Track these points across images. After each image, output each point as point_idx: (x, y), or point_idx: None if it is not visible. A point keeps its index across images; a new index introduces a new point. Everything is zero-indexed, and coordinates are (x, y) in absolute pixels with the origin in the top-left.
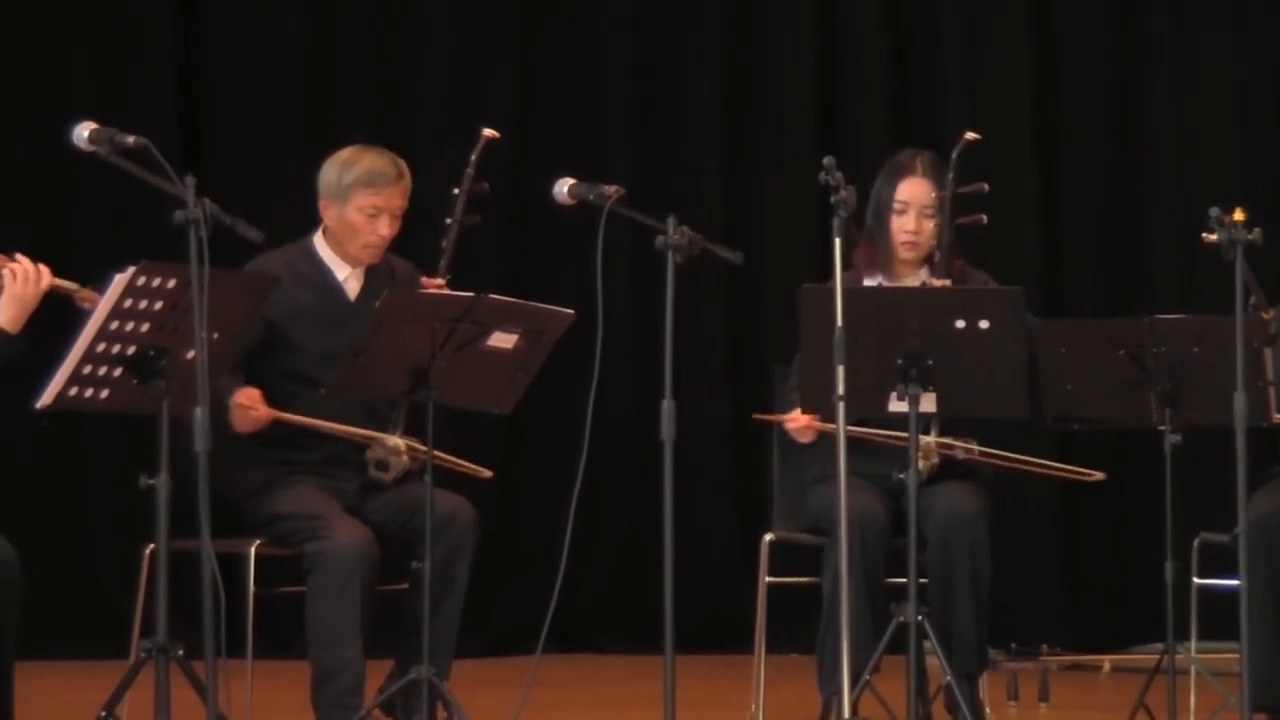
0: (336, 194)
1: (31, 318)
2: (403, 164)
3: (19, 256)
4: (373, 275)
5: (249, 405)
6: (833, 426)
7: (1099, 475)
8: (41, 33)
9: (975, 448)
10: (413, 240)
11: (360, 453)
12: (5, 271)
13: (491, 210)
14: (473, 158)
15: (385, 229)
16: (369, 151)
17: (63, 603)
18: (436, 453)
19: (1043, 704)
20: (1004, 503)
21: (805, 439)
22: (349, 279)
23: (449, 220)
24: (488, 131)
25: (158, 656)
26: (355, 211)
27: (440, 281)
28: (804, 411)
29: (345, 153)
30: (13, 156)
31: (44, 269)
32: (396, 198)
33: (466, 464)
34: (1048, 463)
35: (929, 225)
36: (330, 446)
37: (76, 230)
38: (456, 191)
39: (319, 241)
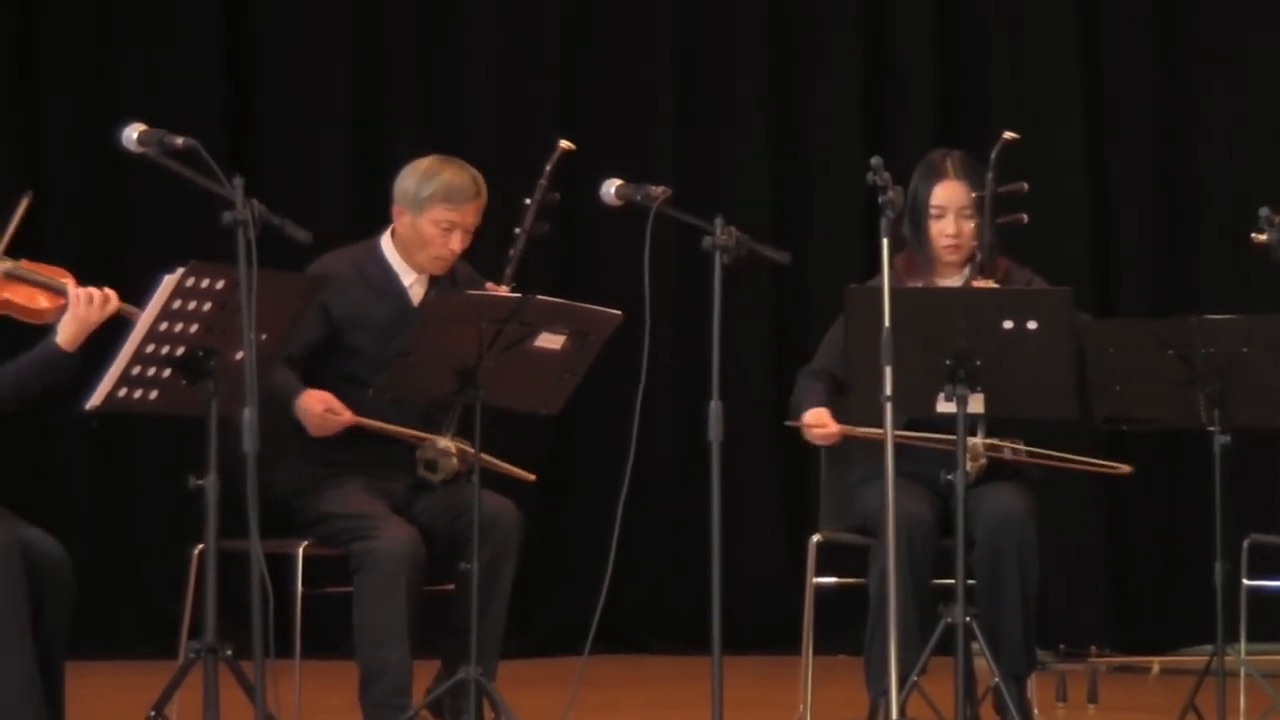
0: (413, 203)
1: (89, 338)
2: (482, 181)
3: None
4: (436, 281)
5: (334, 412)
6: (859, 431)
7: (1125, 469)
8: (90, 35)
9: (1023, 448)
10: (489, 248)
11: (408, 453)
12: (72, 293)
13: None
14: (547, 168)
15: (457, 244)
16: (450, 164)
17: (112, 603)
18: (487, 457)
19: (1091, 705)
20: (1052, 503)
21: (827, 442)
22: (414, 285)
23: (518, 230)
24: (564, 144)
25: (206, 656)
26: (430, 224)
27: (504, 290)
28: (851, 413)
29: (426, 162)
30: (62, 158)
31: (111, 294)
32: (471, 214)
33: (510, 467)
34: (1074, 457)
35: (968, 226)
36: (378, 447)
37: (125, 232)
38: (528, 201)
39: (386, 244)
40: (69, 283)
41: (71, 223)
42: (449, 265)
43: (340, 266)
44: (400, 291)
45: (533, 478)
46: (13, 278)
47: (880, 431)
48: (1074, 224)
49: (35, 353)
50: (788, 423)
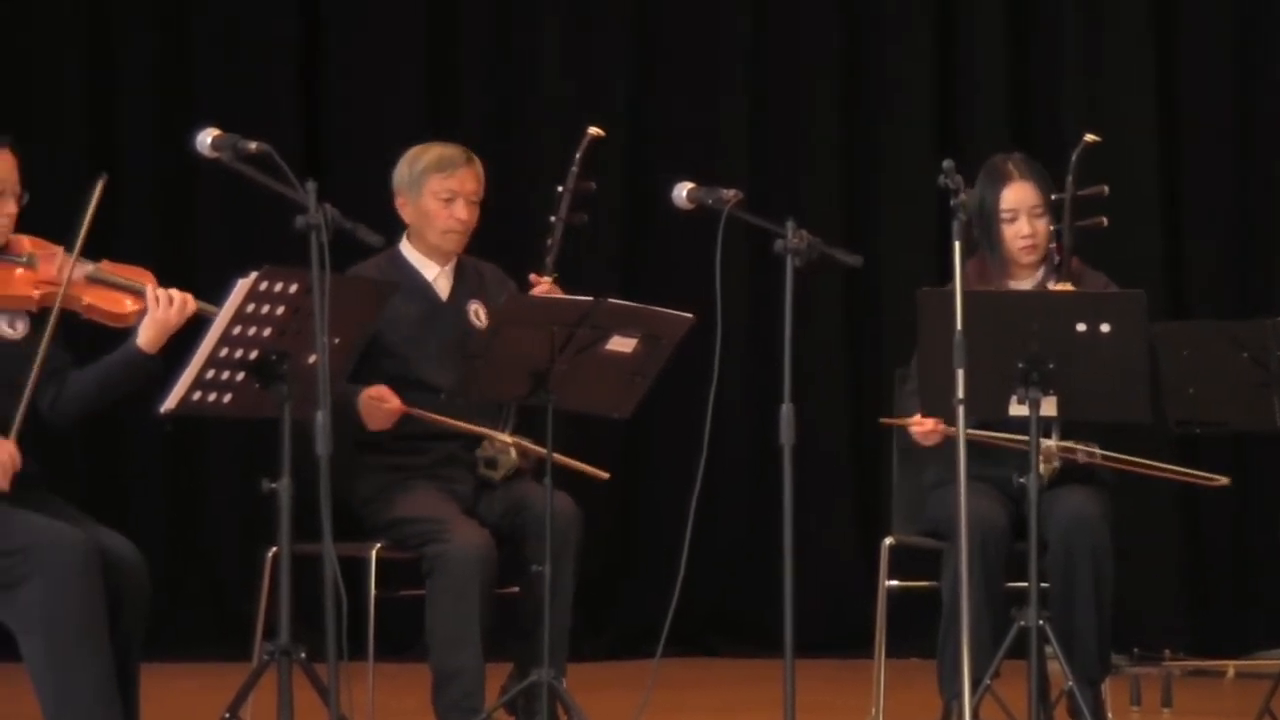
0: (410, 185)
1: (170, 340)
2: (472, 153)
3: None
4: (462, 275)
5: (381, 397)
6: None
7: (1223, 480)
8: (164, 40)
9: (1097, 451)
10: (525, 240)
11: (471, 453)
12: (150, 294)
13: (610, 214)
14: (578, 156)
15: (463, 213)
16: (435, 144)
17: (187, 606)
18: (558, 455)
19: (1166, 709)
20: (1125, 506)
21: (930, 443)
22: (438, 278)
23: (553, 218)
24: (592, 130)
25: (280, 659)
26: (430, 198)
27: (548, 281)
28: (925, 415)
29: (413, 149)
30: (137, 163)
31: (189, 297)
32: (469, 181)
33: (583, 465)
34: (1170, 466)
35: (1041, 225)
36: (441, 448)
37: (199, 236)
38: (561, 190)
39: (405, 246)
40: (149, 284)
41: (146, 227)
42: (462, 239)
43: (368, 275)
44: (425, 287)
45: (606, 475)
46: (95, 281)
47: (987, 434)
48: (1146, 226)
49: (117, 355)
50: (884, 420)
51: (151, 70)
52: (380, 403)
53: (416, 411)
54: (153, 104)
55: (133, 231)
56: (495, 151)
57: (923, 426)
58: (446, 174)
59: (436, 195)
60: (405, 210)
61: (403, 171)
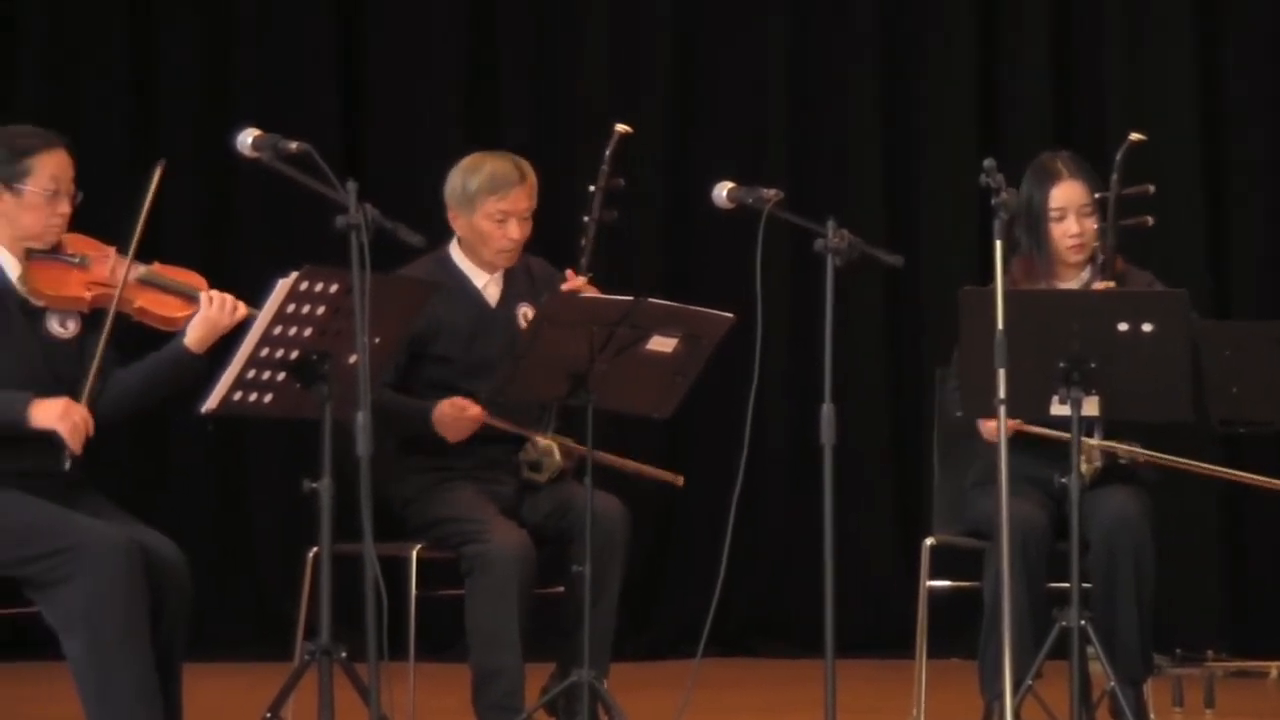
0: (463, 203)
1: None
2: (525, 165)
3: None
4: (511, 279)
5: (464, 405)
6: (1034, 430)
7: (1276, 483)
8: (205, 41)
9: (1139, 451)
10: (565, 241)
11: (514, 455)
12: (203, 295)
13: (651, 213)
14: (607, 153)
15: (515, 232)
16: (490, 156)
17: (228, 605)
18: (631, 462)
19: (1208, 710)
20: (1167, 506)
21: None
22: (488, 285)
23: (586, 218)
24: (620, 127)
25: (321, 658)
26: (484, 219)
27: (583, 279)
28: (965, 414)
29: (467, 160)
30: (177, 164)
31: (240, 303)
32: (522, 200)
33: (658, 471)
34: (1217, 468)
35: (1090, 224)
36: (485, 450)
37: (240, 236)
38: (593, 188)
39: (455, 250)
40: (201, 287)
41: (187, 227)
42: (515, 256)
43: (415, 276)
44: (475, 294)
45: (680, 481)
46: (147, 284)
47: (1053, 433)
48: (1189, 225)
49: (164, 354)
50: (959, 413)
51: (192, 71)
52: (463, 411)
53: (497, 422)
54: (193, 104)
55: (174, 232)
56: (534, 152)
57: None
58: (500, 195)
59: (490, 216)
60: (457, 223)
61: (455, 186)
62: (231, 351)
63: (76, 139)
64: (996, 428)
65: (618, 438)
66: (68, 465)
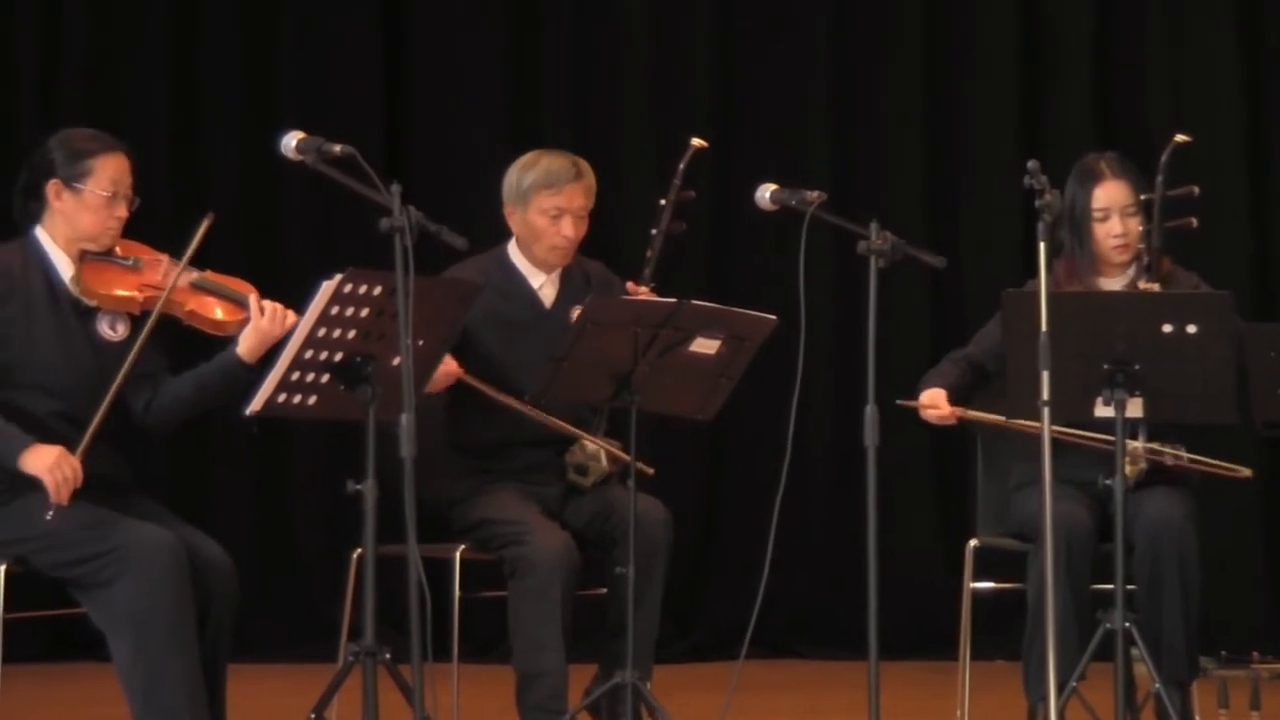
0: (518, 198)
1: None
2: (583, 164)
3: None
4: (568, 280)
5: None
6: (973, 415)
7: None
8: (249, 43)
9: (1184, 454)
10: (618, 248)
11: (559, 458)
12: (253, 305)
13: (693, 215)
14: (681, 167)
15: (569, 230)
16: (547, 154)
17: (273, 607)
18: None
19: (1254, 712)
20: (1212, 508)
21: (940, 424)
22: (544, 286)
23: (654, 230)
24: (696, 141)
25: (365, 660)
26: (537, 214)
27: (645, 289)
28: (1010, 417)
29: (524, 157)
30: (222, 166)
31: (290, 312)
32: (578, 197)
33: (623, 454)
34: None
35: (1134, 224)
36: (530, 453)
37: (284, 238)
38: (663, 201)
39: (512, 250)
40: (251, 296)
41: (231, 230)
42: (568, 254)
43: (469, 276)
44: (531, 294)
45: (651, 471)
46: (199, 289)
47: (994, 418)
48: (1235, 227)
49: (216, 363)
50: (899, 401)
51: (236, 73)
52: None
53: (472, 380)
54: (237, 107)
55: (218, 234)
56: (581, 158)
57: (936, 409)
58: (554, 190)
59: (544, 212)
60: (512, 220)
61: (511, 182)
62: (275, 354)
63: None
64: (940, 416)
65: (660, 440)
66: (49, 516)
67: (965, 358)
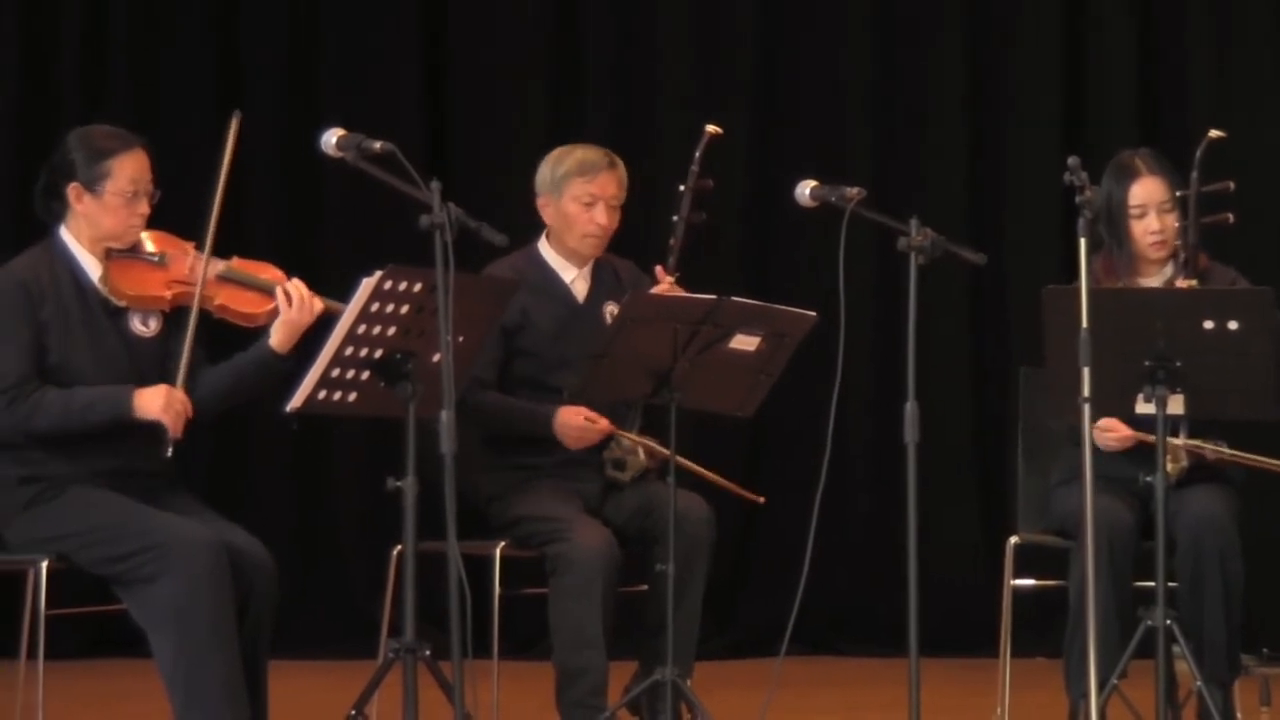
0: (551, 187)
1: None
2: (615, 156)
3: (295, 281)
4: (599, 276)
5: (594, 420)
6: (1146, 437)
7: None
8: (290, 40)
9: (1225, 450)
10: (656, 242)
11: (597, 454)
12: (280, 293)
13: (732, 210)
14: (697, 154)
15: (603, 218)
16: (580, 145)
17: (313, 603)
18: (709, 472)
19: None
20: (1254, 505)
21: (1121, 447)
22: (576, 280)
23: (675, 218)
24: (710, 128)
25: (405, 657)
26: (571, 201)
27: (670, 280)
28: (1050, 415)
29: (557, 150)
30: (263, 162)
31: (315, 298)
32: (611, 185)
33: (739, 489)
34: None
35: (1170, 221)
36: (569, 450)
37: (325, 235)
38: (682, 189)
39: (543, 246)
40: (278, 287)
41: (272, 226)
42: (602, 243)
43: (502, 274)
44: (564, 290)
45: (762, 500)
46: (227, 280)
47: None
48: (1271, 221)
49: (250, 354)
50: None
51: (277, 70)
52: (593, 425)
53: (618, 431)
54: (278, 104)
55: (259, 230)
56: (619, 152)
57: (1115, 431)
58: (588, 178)
59: (578, 199)
60: (546, 211)
61: (545, 173)
62: (316, 350)
63: (161, 138)
64: (1120, 438)
65: (700, 437)
66: (169, 452)
67: None
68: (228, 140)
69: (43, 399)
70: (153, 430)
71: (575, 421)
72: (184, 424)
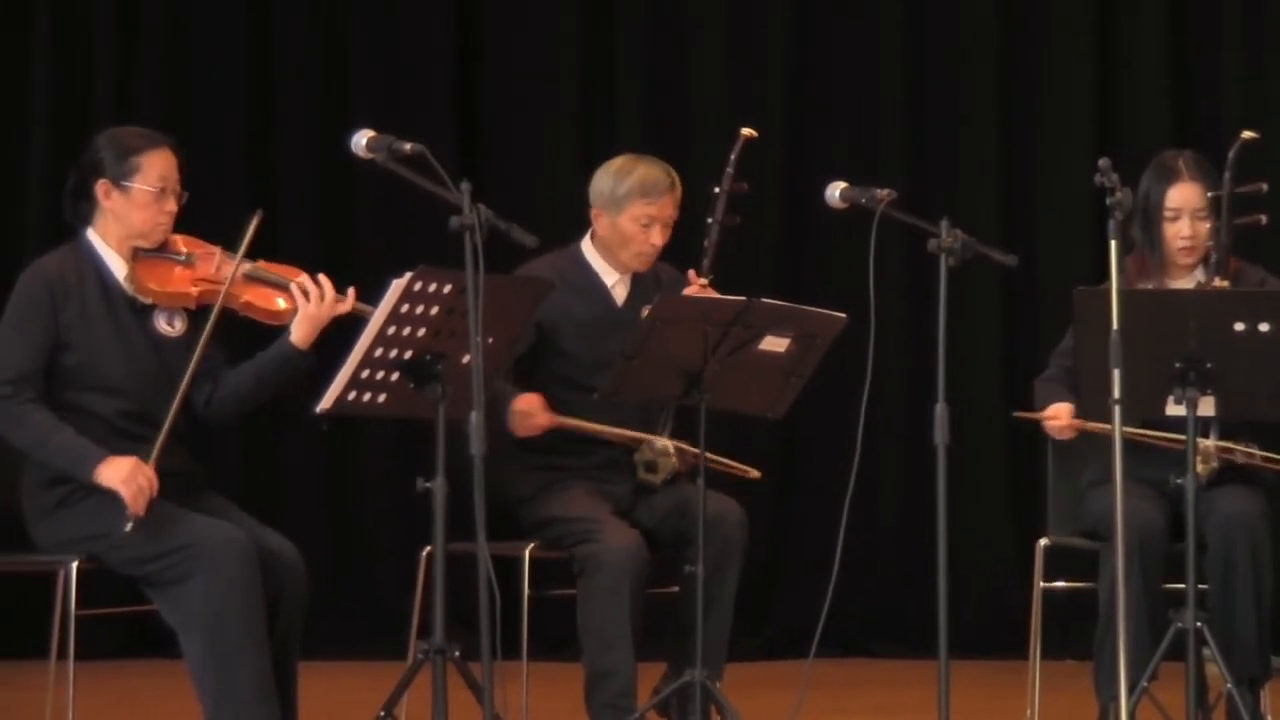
0: (610, 203)
1: (322, 337)
2: (675, 174)
3: (321, 277)
4: (639, 280)
5: (528, 411)
6: (1094, 426)
7: None
8: (322, 42)
9: (1256, 452)
10: (694, 242)
11: (630, 456)
12: (295, 287)
13: (763, 211)
14: (732, 157)
15: (658, 238)
16: (642, 161)
17: (343, 604)
18: (711, 455)
19: None
20: None
21: (1064, 436)
22: (616, 285)
23: (710, 220)
24: (745, 131)
25: (435, 658)
26: (629, 221)
27: (703, 282)
28: (1080, 416)
29: (618, 161)
30: (295, 165)
31: (341, 299)
32: (669, 207)
33: (733, 464)
34: None
35: (1203, 228)
36: (601, 451)
37: (355, 236)
38: (716, 191)
39: (587, 247)
40: (294, 283)
41: (303, 227)
42: (652, 260)
43: (543, 273)
44: (604, 293)
45: (757, 475)
46: (252, 279)
47: (1146, 434)
48: None
49: (271, 352)
50: (1018, 414)
51: (308, 71)
52: (527, 417)
53: (565, 422)
54: (309, 105)
55: (290, 231)
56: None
57: (1058, 422)
58: (649, 200)
59: (637, 220)
60: (599, 222)
61: (603, 186)
62: (346, 351)
63: (192, 140)
64: (1060, 426)
65: (731, 437)
66: (128, 528)
67: (1062, 372)
68: (246, 233)
69: (32, 415)
70: (182, 433)
71: (519, 408)
72: (146, 502)
